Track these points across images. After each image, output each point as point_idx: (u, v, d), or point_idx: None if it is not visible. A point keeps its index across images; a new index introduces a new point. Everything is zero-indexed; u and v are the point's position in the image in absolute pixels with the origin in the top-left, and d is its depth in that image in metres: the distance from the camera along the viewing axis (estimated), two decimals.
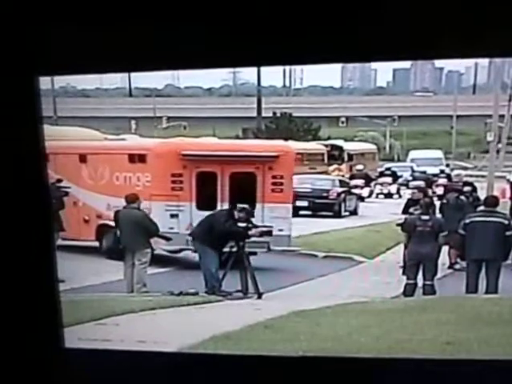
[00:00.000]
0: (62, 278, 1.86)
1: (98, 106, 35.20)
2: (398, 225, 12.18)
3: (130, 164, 12.33)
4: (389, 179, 22.56)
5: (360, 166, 24.08)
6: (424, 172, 22.89)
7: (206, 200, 11.69)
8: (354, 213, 18.16)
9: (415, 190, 13.29)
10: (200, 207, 11.61)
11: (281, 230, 11.59)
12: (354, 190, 19.34)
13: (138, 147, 12.81)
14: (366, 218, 16.55)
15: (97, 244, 12.13)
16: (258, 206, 11.91)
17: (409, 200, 12.67)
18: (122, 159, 12.38)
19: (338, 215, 17.54)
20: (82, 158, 12.98)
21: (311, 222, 16.46)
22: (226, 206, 11.38)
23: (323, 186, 18.19)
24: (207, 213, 10.36)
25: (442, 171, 23.21)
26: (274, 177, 12.16)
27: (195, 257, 10.67)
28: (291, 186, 12.66)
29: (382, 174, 23.79)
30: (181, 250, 11.65)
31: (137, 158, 12.28)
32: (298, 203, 17.30)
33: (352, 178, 21.86)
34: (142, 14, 1.38)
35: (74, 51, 1.40)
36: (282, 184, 12.18)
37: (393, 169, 24.89)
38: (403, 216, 11.62)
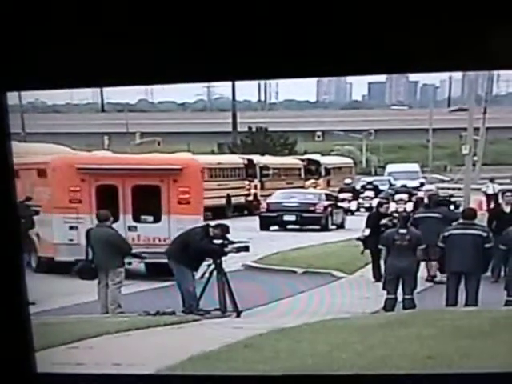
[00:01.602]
0: (32, 299, 1.82)
1: (69, 121, 34.98)
2: (358, 239, 12.30)
3: (38, 178, 12.99)
4: (371, 193, 22.89)
5: (348, 180, 24.38)
6: (405, 185, 23.20)
7: None
8: (341, 226, 18.44)
9: (384, 201, 13.43)
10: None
11: None
12: (341, 204, 19.72)
13: (40, 162, 13.35)
14: (352, 232, 16.66)
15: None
16: (165, 217, 12.43)
17: (372, 214, 12.78)
18: (34, 174, 13.07)
19: (325, 229, 17.88)
20: (17, 174, 13.41)
21: (298, 236, 16.60)
22: (129, 218, 11.98)
23: (310, 200, 18.49)
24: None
25: (422, 184, 23.58)
26: (179, 189, 12.56)
27: None
28: (200, 198, 13.08)
29: (364, 188, 24.07)
30: (77, 262, 11.74)
31: (41, 173, 12.98)
32: (286, 217, 18.00)
33: (340, 191, 22.22)
34: (114, 29, 1.37)
35: (43, 67, 1.39)
36: (188, 196, 12.56)
37: (375, 183, 25.23)
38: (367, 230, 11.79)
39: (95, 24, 1.38)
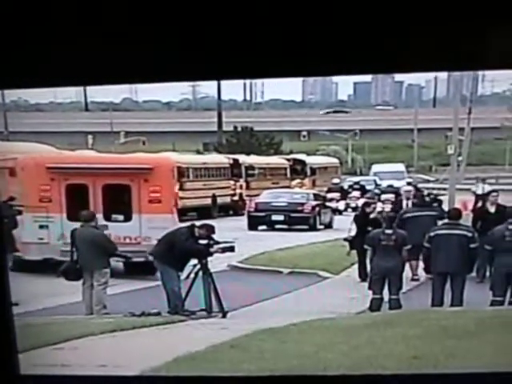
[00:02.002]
0: (15, 300, 1.80)
1: (53, 120, 34.74)
2: (345, 239, 12.34)
3: (10, 178, 13.09)
4: (357, 193, 23.04)
5: (336, 180, 24.51)
6: (391, 185, 23.38)
7: (77, 211, 12.10)
8: (329, 226, 18.59)
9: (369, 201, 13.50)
10: (71, 218, 12.08)
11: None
12: (329, 204, 19.90)
13: (9, 160, 13.45)
14: (340, 231, 16.74)
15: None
16: (136, 216, 12.60)
17: (359, 214, 12.80)
18: (7, 173, 13.23)
19: (313, 228, 18.05)
20: None
21: (286, 235, 16.65)
22: (100, 217, 12.01)
23: (298, 200, 18.66)
24: (78, 223, 10.69)
25: (409, 183, 23.78)
26: (150, 188, 12.65)
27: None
28: (171, 197, 13.21)
29: (351, 188, 24.22)
30: (45, 260, 12.04)
31: (12, 172, 13.07)
32: (274, 217, 18.24)
33: (328, 191, 22.42)
34: (112, 29, 1.37)
35: (30, 65, 1.37)
36: (159, 195, 12.66)
37: (361, 183, 25.38)
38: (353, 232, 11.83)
39: (92, 23, 1.37)
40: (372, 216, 11.73)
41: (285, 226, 18.12)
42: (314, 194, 19.74)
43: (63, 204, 12.58)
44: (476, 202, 14.05)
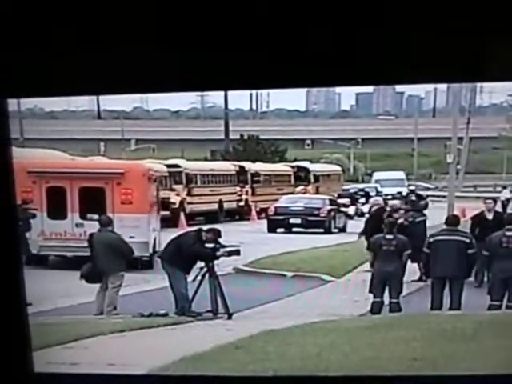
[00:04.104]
0: (29, 300, 1.80)
1: (66, 127, 34.85)
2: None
3: None
4: (362, 199, 23.24)
5: (346, 186, 24.63)
6: (400, 192, 23.55)
7: (56, 210, 13.51)
8: (342, 230, 19.08)
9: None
10: (51, 217, 13.49)
11: (132, 237, 12.81)
12: (342, 209, 20.21)
13: None
14: (353, 235, 16.78)
15: None
16: (109, 215, 13.73)
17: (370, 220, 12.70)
18: None
19: (328, 232, 18.67)
20: None
21: (304, 238, 16.86)
22: (76, 216, 12.87)
23: (315, 205, 19.32)
24: (58, 221, 11.57)
25: (412, 191, 23.93)
26: (122, 190, 13.71)
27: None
28: (143, 198, 14.03)
29: (356, 195, 24.39)
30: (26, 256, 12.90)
31: None
32: (292, 220, 19.01)
33: (339, 197, 22.79)
34: (113, 39, 1.37)
35: (45, 75, 1.38)
36: (131, 197, 13.70)
37: (365, 189, 25.50)
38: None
39: (95, 33, 1.37)
40: (400, 221, 11.63)
41: (301, 229, 18.67)
42: (330, 200, 20.23)
43: (44, 204, 13.61)
44: (504, 207, 13.98)
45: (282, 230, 18.80)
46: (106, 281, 9.75)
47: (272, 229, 18.92)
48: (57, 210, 13.58)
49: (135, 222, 13.36)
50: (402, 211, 12.40)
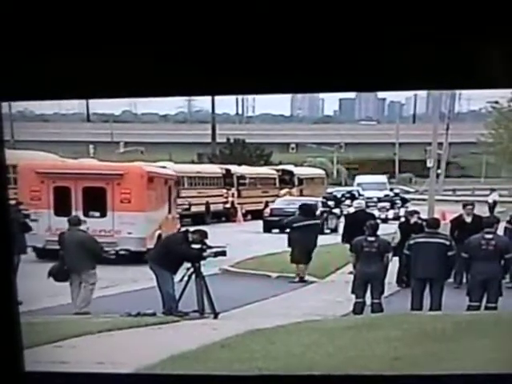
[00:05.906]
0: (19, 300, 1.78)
1: (56, 130, 34.60)
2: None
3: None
4: (348, 202, 23.35)
5: (330, 189, 24.79)
6: (387, 195, 23.72)
7: (62, 208, 14.13)
8: (334, 230, 19.20)
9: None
10: (57, 214, 14.10)
11: (130, 233, 14.07)
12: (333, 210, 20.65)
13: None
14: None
15: None
16: (110, 213, 14.59)
17: (402, 224, 12.45)
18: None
19: (320, 232, 18.64)
20: None
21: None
22: (80, 214, 13.17)
23: None
24: (64, 218, 11.47)
25: (397, 194, 24.15)
26: (122, 190, 14.44)
27: None
28: (141, 198, 14.66)
29: (343, 197, 24.50)
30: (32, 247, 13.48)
31: None
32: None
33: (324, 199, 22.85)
34: (102, 41, 1.36)
35: (37, 78, 1.37)
36: (129, 196, 14.45)
37: (352, 192, 25.70)
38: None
39: (87, 37, 1.36)
40: (413, 221, 11.68)
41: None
42: (322, 202, 20.40)
43: (51, 202, 14.48)
44: (490, 210, 14.01)
45: (277, 230, 18.98)
46: (80, 279, 9.68)
47: (267, 229, 19.47)
48: (62, 207, 14.12)
49: (133, 220, 14.06)
50: (417, 214, 12.52)
